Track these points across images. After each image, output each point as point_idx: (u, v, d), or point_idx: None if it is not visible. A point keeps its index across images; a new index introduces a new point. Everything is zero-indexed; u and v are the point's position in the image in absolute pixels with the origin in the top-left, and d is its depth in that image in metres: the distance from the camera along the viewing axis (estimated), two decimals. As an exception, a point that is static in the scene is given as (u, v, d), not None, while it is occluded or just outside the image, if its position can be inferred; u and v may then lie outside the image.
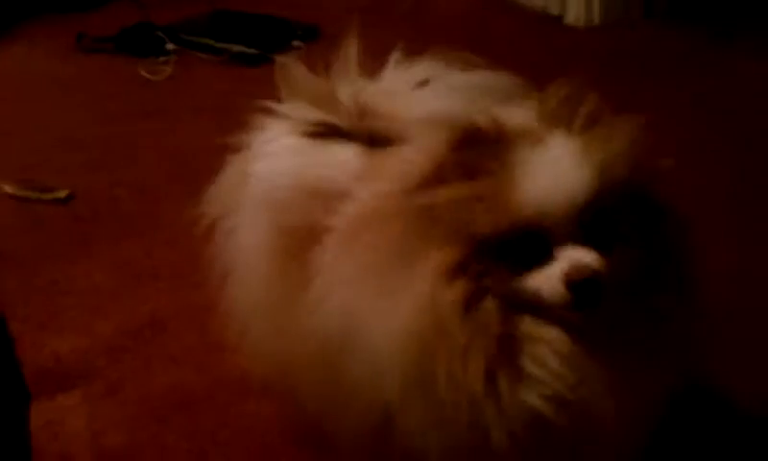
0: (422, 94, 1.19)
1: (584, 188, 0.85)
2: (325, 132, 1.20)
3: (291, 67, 1.29)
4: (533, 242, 0.86)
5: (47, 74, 3.08)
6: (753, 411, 1.41)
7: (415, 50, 1.30)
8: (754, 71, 2.82)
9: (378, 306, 0.91)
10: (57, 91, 2.92)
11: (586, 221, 0.86)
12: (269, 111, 1.29)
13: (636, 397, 0.91)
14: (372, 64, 1.29)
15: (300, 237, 1.08)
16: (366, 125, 1.17)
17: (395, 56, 1.29)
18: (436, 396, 0.87)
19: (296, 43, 3.08)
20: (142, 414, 1.43)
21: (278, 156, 1.23)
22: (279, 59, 1.33)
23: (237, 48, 3.06)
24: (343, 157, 1.14)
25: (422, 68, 1.23)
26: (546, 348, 0.88)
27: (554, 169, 0.86)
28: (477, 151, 0.88)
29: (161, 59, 3.06)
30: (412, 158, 0.95)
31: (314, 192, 1.11)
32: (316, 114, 1.23)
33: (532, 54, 2.98)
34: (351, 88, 1.24)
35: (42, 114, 2.73)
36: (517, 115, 0.94)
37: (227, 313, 1.31)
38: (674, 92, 2.70)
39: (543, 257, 0.87)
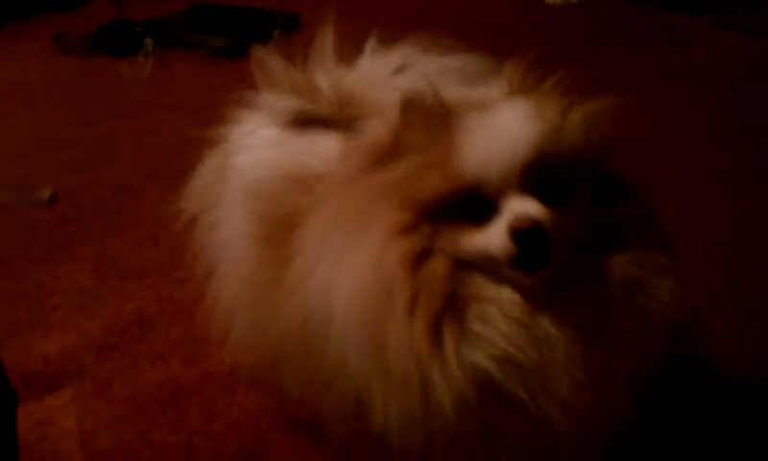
0: (400, 80, 1.19)
1: (527, 146, 0.87)
2: (305, 121, 1.21)
3: (267, 58, 1.29)
4: (479, 201, 0.88)
5: (25, 76, 3.06)
6: (737, 382, 1.42)
7: (394, 36, 1.29)
8: (734, 46, 2.84)
9: (337, 277, 0.92)
10: (36, 92, 2.91)
11: (532, 178, 0.87)
12: (247, 103, 1.29)
13: (605, 369, 0.90)
14: (351, 52, 1.29)
15: (283, 226, 1.08)
16: (346, 113, 1.17)
17: (371, 43, 1.29)
18: (387, 359, 0.88)
19: (276, 34, 3.07)
20: (131, 411, 1.43)
21: (259, 147, 1.23)
22: (255, 50, 1.32)
23: (217, 42, 3.05)
24: (324, 146, 1.14)
25: (399, 54, 1.23)
26: (494, 307, 0.88)
27: (494, 131, 0.88)
28: (425, 119, 0.91)
29: (140, 56, 3.04)
30: (368, 134, 0.98)
31: (296, 181, 1.11)
32: (295, 104, 1.23)
33: (511, 34, 2.99)
34: (330, 77, 1.24)
35: (22, 116, 2.72)
36: (478, 92, 0.97)
37: (212, 308, 1.31)
38: (652, 67, 2.71)
39: (490, 215, 0.88)
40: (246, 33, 3.05)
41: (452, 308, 0.88)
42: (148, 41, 3.08)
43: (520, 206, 0.87)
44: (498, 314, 0.88)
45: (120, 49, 3.08)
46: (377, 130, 0.96)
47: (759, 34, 2.88)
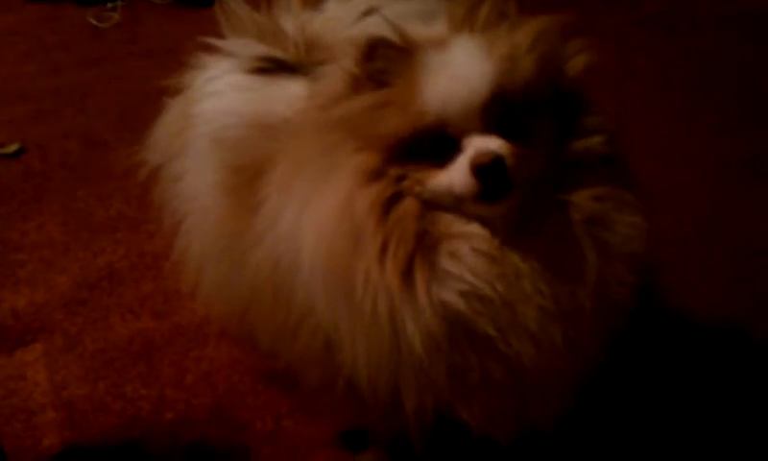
0: (366, 24, 1.16)
1: (483, 83, 0.87)
2: (272, 67, 1.18)
3: (232, 3, 1.26)
4: (442, 140, 0.88)
5: (-10, 25, 2.98)
6: (703, 333, 1.43)
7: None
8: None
9: (304, 223, 0.92)
10: (1, 42, 2.83)
11: (492, 114, 0.87)
12: (211, 49, 1.26)
13: (573, 303, 0.90)
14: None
15: (251, 174, 1.06)
16: (312, 57, 1.15)
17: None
18: (356, 302, 0.88)
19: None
20: (102, 365, 1.42)
21: (224, 94, 1.20)
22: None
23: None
24: (290, 91, 1.11)
25: (365, -1, 1.21)
26: (464, 244, 0.89)
27: (453, 68, 0.88)
28: (385, 61, 0.90)
29: (109, 5, 2.97)
30: (328, 75, 0.96)
31: (263, 128, 1.09)
32: (261, 49, 1.20)
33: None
34: (296, 21, 1.22)
35: (-13, 67, 2.65)
36: (432, 28, 0.95)
37: (181, 260, 1.29)
38: (625, 16, 2.69)
39: (454, 154, 0.88)
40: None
41: (423, 248, 0.89)
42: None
43: (481, 143, 0.87)
44: (468, 250, 0.89)
45: (87, -2, 3.00)
46: (339, 72, 0.93)
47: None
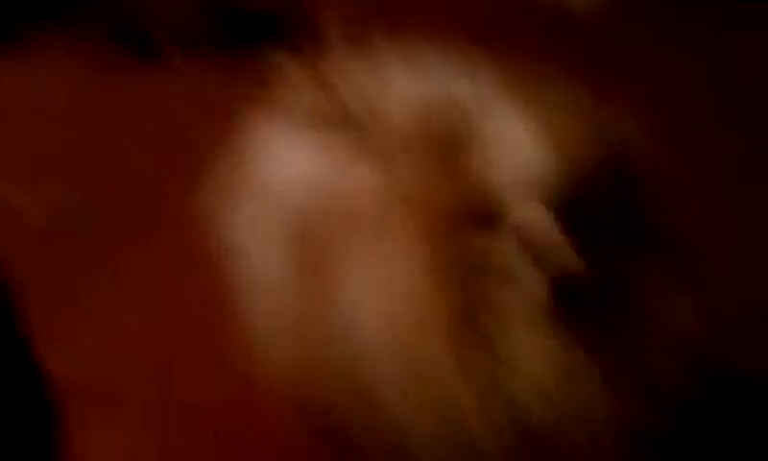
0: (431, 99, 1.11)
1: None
2: (327, 124, 1.13)
3: (280, 58, 1.24)
4: None
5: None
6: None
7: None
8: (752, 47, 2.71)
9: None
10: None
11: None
12: (262, 102, 1.23)
13: (631, 395, 0.89)
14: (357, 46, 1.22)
15: (320, 242, 1.04)
16: (362, 112, 1.11)
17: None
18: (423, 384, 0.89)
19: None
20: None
21: (282, 156, 1.16)
22: (269, 51, 1.27)
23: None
24: (348, 148, 1.08)
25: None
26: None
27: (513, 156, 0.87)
28: (453, 144, 0.91)
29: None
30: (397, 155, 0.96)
31: (328, 191, 1.07)
32: (312, 104, 1.17)
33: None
34: (351, 81, 1.16)
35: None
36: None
37: (241, 337, 1.23)
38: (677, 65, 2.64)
39: None
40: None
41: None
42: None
43: None
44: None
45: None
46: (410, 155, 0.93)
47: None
